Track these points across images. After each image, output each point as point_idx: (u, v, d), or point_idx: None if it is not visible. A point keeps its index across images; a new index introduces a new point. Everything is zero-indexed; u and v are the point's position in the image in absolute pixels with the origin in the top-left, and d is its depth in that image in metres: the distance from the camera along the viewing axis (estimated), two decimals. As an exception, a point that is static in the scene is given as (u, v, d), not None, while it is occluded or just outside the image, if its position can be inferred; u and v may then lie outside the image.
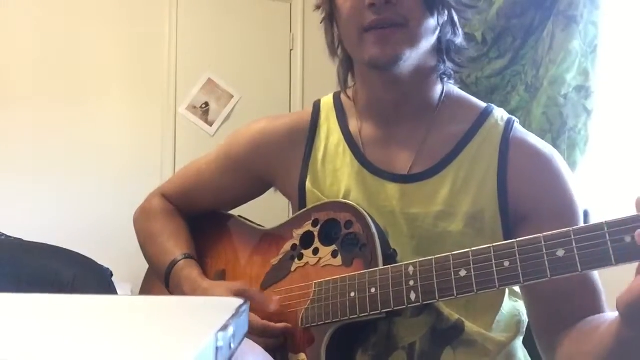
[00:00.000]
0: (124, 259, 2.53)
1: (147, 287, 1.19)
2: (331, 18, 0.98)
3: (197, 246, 1.09)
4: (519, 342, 0.98)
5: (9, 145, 2.82)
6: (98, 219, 2.85)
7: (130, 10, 3.05)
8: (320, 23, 1.01)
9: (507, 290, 0.97)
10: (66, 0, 2.96)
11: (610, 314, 0.82)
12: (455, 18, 0.96)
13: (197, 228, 1.13)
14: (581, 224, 0.92)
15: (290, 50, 3.33)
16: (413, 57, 0.91)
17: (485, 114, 0.99)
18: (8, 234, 2.18)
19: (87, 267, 1.91)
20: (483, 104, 1.01)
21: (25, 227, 2.46)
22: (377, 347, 0.91)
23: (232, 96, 3.20)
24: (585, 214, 0.96)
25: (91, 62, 2.97)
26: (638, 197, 0.65)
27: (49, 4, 2.93)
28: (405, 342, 0.91)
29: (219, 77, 3.19)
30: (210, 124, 3.16)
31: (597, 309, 0.88)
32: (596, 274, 0.90)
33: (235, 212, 1.17)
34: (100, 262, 1.97)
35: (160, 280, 1.06)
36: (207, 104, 3.17)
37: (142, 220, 1.15)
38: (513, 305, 0.98)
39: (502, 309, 0.95)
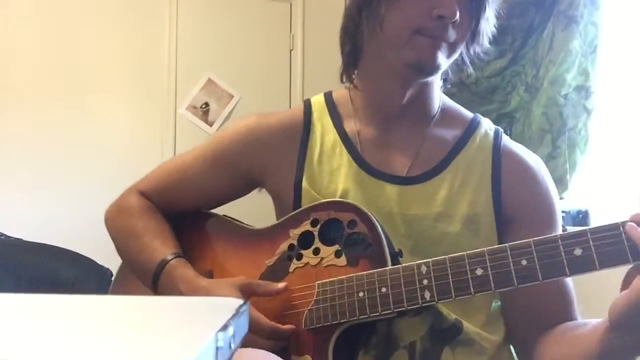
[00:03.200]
0: (124, 259, 2.53)
1: (120, 289, 1.14)
2: (366, 5, 0.95)
3: (181, 246, 1.05)
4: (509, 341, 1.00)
5: (9, 145, 2.82)
6: (98, 219, 2.81)
7: (131, 10, 3.05)
8: (346, 7, 1.00)
9: None
10: (66, 0, 2.96)
11: (591, 321, 0.85)
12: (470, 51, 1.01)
13: (179, 227, 1.08)
14: (560, 228, 0.98)
15: (290, 50, 3.34)
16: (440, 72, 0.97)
17: (475, 124, 1.03)
18: (8, 234, 2.18)
19: (87, 267, 1.92)
20: (470, 114, 1.06)
21: (25, 227, 2.46)
22: (379, 347, 0.91)
23: (232, 96, 3.20)
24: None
25: (91, 62, 2.97)
26: None
27: (49, 4, 2.93)
28: (406, 342, 0.91)
29: (219, 77, 3.19)
30: (211, 124, 3.16)
31: (569, 316, 0.92)
32: (570, 282, 0.94)
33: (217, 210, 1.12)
34: (100, 262, 1.97)
35: (143, 279, 1.02)
36: (207, 104, 3.17)
37: (119, 219, 1.10)
38: (495, 305, 1.00)
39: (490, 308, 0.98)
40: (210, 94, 3.18)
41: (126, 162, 2.98)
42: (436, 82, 1.01)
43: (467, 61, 1.01)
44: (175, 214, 1.10)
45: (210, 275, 1.03)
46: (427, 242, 0.93)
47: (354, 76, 1.04)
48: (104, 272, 1.95)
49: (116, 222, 1.10)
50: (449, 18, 0.89)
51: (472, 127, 1.02)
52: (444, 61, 0.94)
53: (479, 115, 1.05)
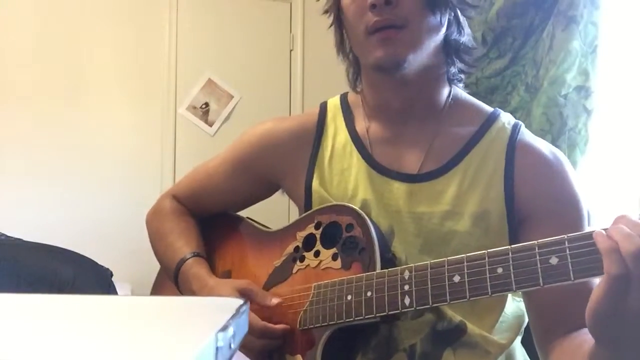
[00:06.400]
0: (124, 259, 2.54)
1: (159, 288, 1.20)
2: (339, 21, 0.99)
3: (206, 246, 1.10)
4: (517, 342, 0.98)
5: (9, 145, 2.82)
6: (98, 219, 2.85)
7: (131, 10, 3.05)
8: (329, 28, 1.02)
9: None
10: (66, 1, 2.96)
11: None
12: (460, 17, 0.96)
13: (207, 228, 1.14)
14: (586, 225, 0.92)
15: (290, 50, 3.34)
16: (417, 59, 0.92)
17: (493, 118, 0.99)
18: (8, 234, 2.18)
19: (87, 267, 1.92)
20: (490, 108, 1.02)
21: (25, 227, 2.46)
22: (378, 350, 0.91)
23: (232, 96, 3.20)
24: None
25: (91, 62, 2.97)
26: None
27: (49, 4, 2.93)
28: (406, 344, 0.90)
29: (219, 77, 3.19)
30: (210, 125, 3.16)
31: None
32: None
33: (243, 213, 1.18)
34: (100, 262, 1.97)
35: (170, 279, 1.07)
36: (207, 104, 3.17)
37: (154, 221, 1.16)
38: (517, 306, 0.98)
39: (505, 310, 0.96)
40: (210, 94, 3.18)
41: (126, 162, 2.98)
42: (431, 74, 0.97)
43: (464, 38, 0.97)
44: (204, 216, 1.16)
45: (228, 274, 1.08)
46: (436, 241, 0.92)
47: (359, 85, 1.05)
48: (104, 272, 1.95)
49: (152, 224, 1.17)
50: (378, 2, 0.88)
51: (489, 121, 0.98)
52: (406, 51, 0.90)
53: (499, 110, 1.01)
